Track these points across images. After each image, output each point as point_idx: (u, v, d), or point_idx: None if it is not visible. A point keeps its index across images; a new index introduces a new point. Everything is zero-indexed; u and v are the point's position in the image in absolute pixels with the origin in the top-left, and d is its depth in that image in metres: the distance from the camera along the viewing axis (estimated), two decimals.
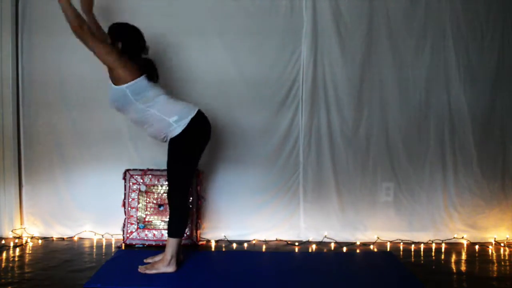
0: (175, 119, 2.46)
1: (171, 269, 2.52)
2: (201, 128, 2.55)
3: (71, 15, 2.37)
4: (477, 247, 3.15)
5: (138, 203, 3.12)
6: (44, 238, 3.24)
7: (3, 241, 3.13)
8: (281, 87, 3.20)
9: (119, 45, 2.50)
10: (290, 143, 3.23)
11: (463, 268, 2.76)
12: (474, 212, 3.26)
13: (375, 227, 3.25)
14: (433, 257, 2.94)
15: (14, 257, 2.84)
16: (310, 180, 3.24)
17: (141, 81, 2.45)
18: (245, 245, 3.16)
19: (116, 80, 2.44)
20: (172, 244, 2.52)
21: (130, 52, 2.50)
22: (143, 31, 3.15)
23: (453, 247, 3.14)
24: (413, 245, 3.16)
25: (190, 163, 2.58)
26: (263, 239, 3.24)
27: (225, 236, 3.24)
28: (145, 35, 3.13)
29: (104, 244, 3.14)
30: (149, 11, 3.15)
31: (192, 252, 2.89)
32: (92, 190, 3.24)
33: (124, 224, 3.11)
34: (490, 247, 3.16)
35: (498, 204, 3.26)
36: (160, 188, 3.13)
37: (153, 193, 3.13)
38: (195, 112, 2.51)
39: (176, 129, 2.46)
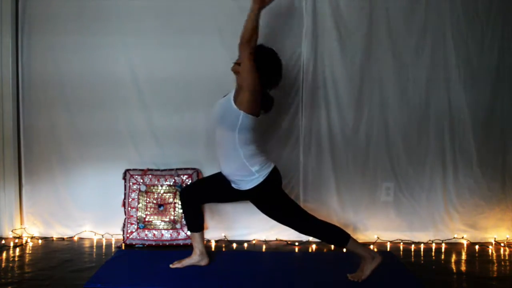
0: (256, 168, 2.42)
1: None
2: (277, 181, 2.50)
3: (250, 26, 2.35)
4: (477, 247, 3.15)
5: (138, 203, 3.12)
6: (44, 238, 3.24)
7: (3, 241, 3.13)
8: (281, 87, 3.19)
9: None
10: (290, 143, 3.23)
11: (463, 268, 2.76)
12: (474, 212, 3.26)
13: (375, 227, 3.25)
14: (433, 257, 2.94)
15: (14, 257, 2.84)
16: (310, 180, 3.23)
17: (255, 120, 2.42)
18: (245, 245, 3.16)
19: (239, 101, 2.36)
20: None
21: (265, 86, 2.46)
22: (140, 31, 3.17)
23: (453, 247, 3.14)
24: (413, 245, 3.16)
25: (283, 200, 2.54)
26: (263, 239, 3.24)
27: (225, 236, 3.24)
28: (144, 35, 3.16)
29: (104, 244, 3.14)
30: (148, 10, 3.15)
31: (192, 252, 2.89)
32: (92, 190, 3.24)
33: (124, 224, 3.12)
34: (490, 247, 3.16)
35: (498, 204, 3.26)
36: (160, 188, 3.13)
37: (153, 193, 3.13)
38: (273, 166, 2.48)
39: (258, 179, 2.42)
